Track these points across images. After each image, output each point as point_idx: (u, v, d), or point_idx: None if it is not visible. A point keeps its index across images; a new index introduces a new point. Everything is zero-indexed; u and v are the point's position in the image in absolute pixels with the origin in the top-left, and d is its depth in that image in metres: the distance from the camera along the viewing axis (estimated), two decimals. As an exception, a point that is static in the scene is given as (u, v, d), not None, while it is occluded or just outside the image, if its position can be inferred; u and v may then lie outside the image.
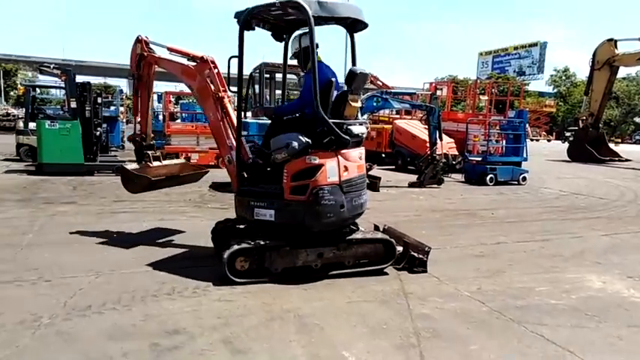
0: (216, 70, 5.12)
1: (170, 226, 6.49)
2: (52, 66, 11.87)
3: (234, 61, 4.81)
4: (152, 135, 6.24)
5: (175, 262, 4.92)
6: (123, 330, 3.35)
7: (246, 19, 4.45)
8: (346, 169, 4.44)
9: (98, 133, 11.97)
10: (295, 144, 4.26)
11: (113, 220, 6.79)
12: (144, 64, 5.73)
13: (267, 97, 14.47)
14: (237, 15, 4.51)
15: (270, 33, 5.11)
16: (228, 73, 5.24)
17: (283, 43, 5.22)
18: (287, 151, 4.28)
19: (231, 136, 4.95)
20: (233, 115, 5.06)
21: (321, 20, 4.51)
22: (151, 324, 3.46)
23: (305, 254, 4.46)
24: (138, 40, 5.65)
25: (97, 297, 3.88)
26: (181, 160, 6.40)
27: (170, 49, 5.51)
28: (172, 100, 23.31)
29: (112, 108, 18.22)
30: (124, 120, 19.60)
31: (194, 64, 5.22)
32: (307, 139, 4.29)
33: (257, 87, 13.78)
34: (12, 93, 52.60)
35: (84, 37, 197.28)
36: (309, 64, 4.47)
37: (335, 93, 4.61)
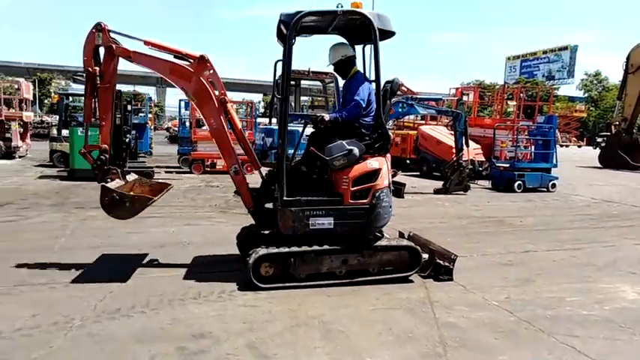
0: (212, 71, 4.69)
1: (196, 231, 6.60)
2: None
3: (280, 65, 4.65)
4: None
5: (201, 267, 4.99)
6: (151, 333, 3.42)
7: (296, 24, 4.27)
8: (388, 172, 4.64)
9: (127, 139, 12.27)
10: (356, 150, 4.39)
11: (141, 224, 6.93)
12: (106, 58, 4.65)
13: (293, 103, 14.59)
14: (286, 18, 4.30)
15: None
16: (275, 77, 5.03)
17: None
18: (348, 157, 4.37)
19: (234, 147, 4.76)
20: (237, 121, 4.97)
21: (381, 34, 4.49)
22: (178, 327, 3.52)
23: (329, 261, 4.46)
24: (98, 29, 4.58)
25: (126, 300, 3.97)
26: (134, 176, 5.32)
27: (149, 44, 4.67)
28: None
29: (141, 115, 18.68)
30: (152, 127, 20.04)
31: (186, 63, 4.66)
32: (363, 145, 4.44)
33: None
34: (46, 101, 54.55)
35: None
36: (350, 73, 4.77)
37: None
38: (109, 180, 4.69)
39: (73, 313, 3.66)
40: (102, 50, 4.67)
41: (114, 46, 4.58)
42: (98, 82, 4.60)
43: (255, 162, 5.14)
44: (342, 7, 4.33)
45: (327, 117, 4.59)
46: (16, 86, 21.27)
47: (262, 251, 4.30)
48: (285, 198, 4.38)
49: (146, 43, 4.65)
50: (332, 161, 4.40)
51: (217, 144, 4.75)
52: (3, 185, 10.07)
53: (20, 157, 16.09)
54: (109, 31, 4.60)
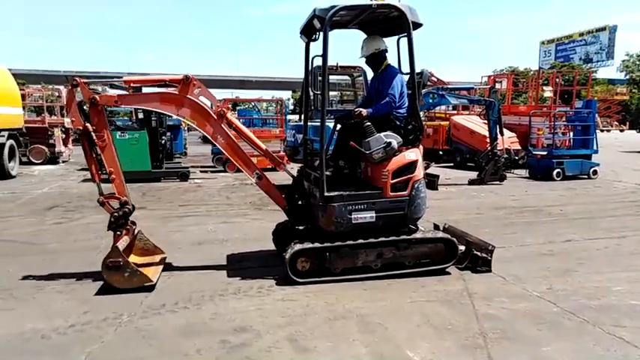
0: (200, 89, 4.55)
1: (233, 229, 6.74)
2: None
3: (317, 60, 4.74)
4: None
5: (240, 263, 5.11)
6: (194, 327, 3.53)
7: (331, 18, 4.25)
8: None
9: (163, 141, 12.61)
10: (394, 143, 4.44)
11: (180, 223, 7.15)
12: (92, 112, 4.40)
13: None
14: (321, 12, 4.27)
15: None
16: (311, 71, 5.02)
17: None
18: (386, 150, 4.42)
19: (248, 155, 4.75)
20: (243, 127, 4.97)
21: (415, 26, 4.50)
22: (220, 322, 3.62)
23: (364, 254, 4.48)
24: (74, 84, 4.38)
25: (170, 296, 4.11)
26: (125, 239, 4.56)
27: (129, 82, 4.60)
28: (230, 106, 24.09)
29: (175, 117, 19.11)
30: (186, 128, 20.48)
31: (172, 89, 4.53)
32: (400, 137, 4.49)
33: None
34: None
35: (146, 51, 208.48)
36: (381, 67, 4.83)
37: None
38: (119, 233, 4.48)
39: (121, 309, 3.82)
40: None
41: (96, 97, 4.40)
42: (95, 139, 4.39)
43: (275, 160, 5.18)
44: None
45: (364, 112, 4.60)
46: (57, 94, 22.20)
47: (298, 246, 4.36)
48: (326, 194, 4.40)
49: (126, 82, 4.59)
50: (371, 154, 4.43)
51: (231, 157, 4.70)
52: (49, 189, 10.56)
53: (63, 161, 16.77)
54: (85, 83, 4.44)
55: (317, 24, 4.37)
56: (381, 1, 4.39)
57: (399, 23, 4.61)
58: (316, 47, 4.97)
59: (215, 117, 4.58)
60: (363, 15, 4.62)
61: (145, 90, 5.03)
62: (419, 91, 4.73)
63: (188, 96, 4.50)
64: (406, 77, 4.77)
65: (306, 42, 5.04)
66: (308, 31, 4.85)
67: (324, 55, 4.34)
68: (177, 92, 4.50)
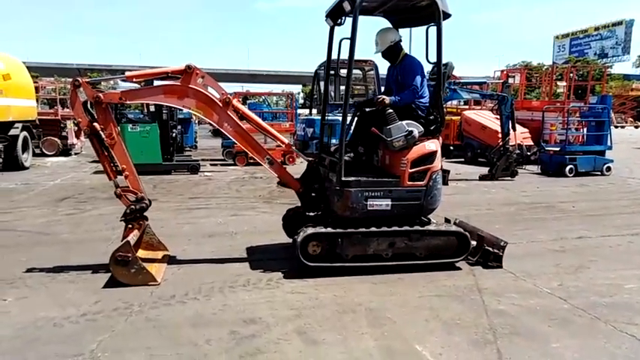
0: (204, 77, 4.50)
1: (242, 221, 6.77)
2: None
3: (345, 44, 4.68)
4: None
5: (249, 256, 5.13)
6: (204, 318, 3.56)
7: (362, 1, 4.22)
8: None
9: (174, 134, 12.67)
10: (416, 132, 4.44)
11: (190, 216, 7.20)
12: (97, 111, 4.38)
13: (332, 93, 14.58)
14: None
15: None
16: (338, 56, 4.99)
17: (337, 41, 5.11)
18: (407, 138, 4.41)
19: (257, 141, 4.76)
20: (250, 112, 4.95)
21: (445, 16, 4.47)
22: (229, 313, 3.64)
23: (376, 242, 4.48)
24: (77, 85, 4.34)
25: (180, 287, 4.14)
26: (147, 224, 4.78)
27: (132, 77, 4.56)
28: (240, 100, 24.12)
29: (186, 110, 19.17)
30: (197, 121, 20.56)
31: (175, 82, 4.49)
32: (421, 127, 4.49)
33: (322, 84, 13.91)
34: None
35: (157, 43, 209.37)
36: (399, 57, 4.83)
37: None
38: (130, 226, 4.50)
39: (132, 299, 3.86)
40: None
41: (100, 95, 4.36)
42: (104, 137, 4.37)
43: (281, 139, 5.19)
44: None
45: (387, 99, 4.59)
46: (69, 87, 22.38)
47: (310, 230, 4.38)
48: (343, 178, 4.40)
49: (129, 77, 4.54)
50: (392, 142, 4.42)
51: (241, 144, 4.70)
52: (62, 181, 10.68)
53: (76, 154, 16.95)
54: (87, 82, 4.40)
55: (347, 6, 4.29)
56: None
57: (427, 13, 4.60)
58: (340, 32, 4.98)
59: (221, 105, 4.55)
60: (392, 1, 4.61)
61: (156, 83, 5.01)
62: (444, 83, 4.71)
63: (191, 86, 4.44)
64: (429, 67, 4.76)
65: (331, 25, 4.96)
66: (335, 15, 4.78)
67: (353, 39, 4.30)
68: (181, 83, 4.45)
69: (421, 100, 4.73)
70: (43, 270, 4.57)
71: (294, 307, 3.75)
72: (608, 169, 12.19)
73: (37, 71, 31.07)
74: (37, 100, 16.27)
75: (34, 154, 14.19)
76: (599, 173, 12.08)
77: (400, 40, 4.88)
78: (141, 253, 4.63)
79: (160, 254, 4.92)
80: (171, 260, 4.87)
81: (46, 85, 20.79)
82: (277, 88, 53.36)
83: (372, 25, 5.14)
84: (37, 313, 3.61)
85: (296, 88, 58.56)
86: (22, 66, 13.45)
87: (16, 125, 12.29)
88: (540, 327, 3.47)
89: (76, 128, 16.93)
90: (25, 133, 12.72)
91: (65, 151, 16.30)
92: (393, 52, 4.86)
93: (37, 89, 15.84)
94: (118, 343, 3.18)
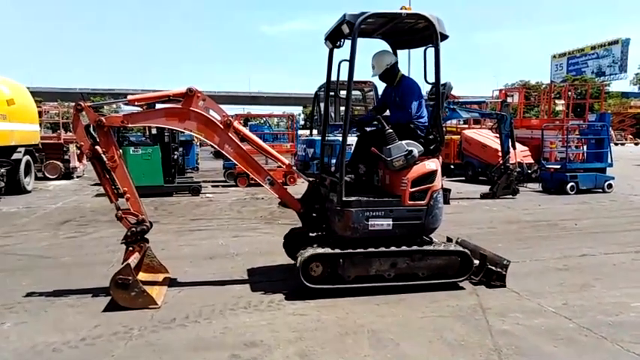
0: (205, 100, 4.54)
1: (244, 243, 6.74)
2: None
3: (344, 65, 4.74)
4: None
5: (250, 277, 5.09)
6: (205, 341, 3.51)
7: (361, 24, 4.29)
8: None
9: (175, 156, 12.73)
10: (416, 152, 4.46)
11: (192, 237, 7.17)
12: (100, 134, 4.42)
13: (332, 114, 14.69)
14: (351, 18, 4.28)
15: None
16: (338, 77, 5.06)
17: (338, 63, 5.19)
18: (407, 158, 4.43)
19: (258, 162, 4.82)
20: (251, 134, 5.00)
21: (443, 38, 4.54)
22: (230, 336, 3.60)
23: (378, 263, 4.45)
24: (79, 109, 4.38)
25: (181, 310, 4.10)
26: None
27: (133, 101, 4.62)
28: (241, 121, 24.28)
29: (187, 132, 19.31)
30: (198, 143, 20.68)
31: (176, 105, 4.52)
32: (421, 146, 4.52)
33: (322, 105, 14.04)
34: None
35: (159, 68, 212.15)
36: (396, 79, 4.91)
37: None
38: (131, 249, 4.50)
39: (132, 323, 3.82)
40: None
41: (103, 119, 4.39)
42: (106, 160, 4.39)
43: (281, 160, 5.18)
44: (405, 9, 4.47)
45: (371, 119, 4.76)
46: (72, 111, 22.61)
47: (311, 251, 4.35)
48: (344, 199, 4.39)
49: (130, 101, 4.59)
50: (392, 162, 4.43)
51: (242, 165, 4.73)
52: (64, 204, 10.69)
53: (78, 177, 17.00)
54: (90, 106, 4.44)
55: (345, 29, 4.37)
56: (410, 11, 4.45)
57: (424, 35, 4.69)
58: (340, 54, 5.04)
59: (222, 127, 4.58)
60: (390, 24, 4.70)
61: (158, 107, 5.06)
62: (442, 102, 4.76)
63: (192, 108, 4.48)
64: (428, 87, 4.85)
65: (330, 48, 5.03)
66: (334, 37, 4.85)
67: (352, 60, 4.37)
68: (182, 106, 4.49)
69: (420, 120, 4.78)
70: (42, 294, 4.54)
71: (296, 330, 3.70)
72: (610, 186, 12.18)
73: (40, 96, 31.48)
74: (41, 125, 16.42)
75: (37, 178, 14.24)
76: (600, 190, 12.07)
77: (396, 63, 4.96)
78: (141, 276, 4.60)
79: (160, 277, 4.88)
80: (172, 282, 4.84)
81: (50, 110, 21.02)
82: (278, 110, 53.81)
83: (370, 47, 5.24)
84: (36, 338, 3.57)
85: (297, 110, 59.02)
86: (25, 91, 13.62)
87: (19, 149, 12.37)
88: (546, 347, 3.41)
89: (79, 152, 17.03)
90: (27, 157, 12.80)
91: (67, 174, 16.36)
92: (389, 74, 4.94)
93: (40, 114, 16.01)
94: (118, 368, 3.13)
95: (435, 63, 4.52)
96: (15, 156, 12.12)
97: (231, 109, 34.42)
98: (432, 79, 4.64)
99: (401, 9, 4.48)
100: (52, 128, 23.84)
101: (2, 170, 11.30)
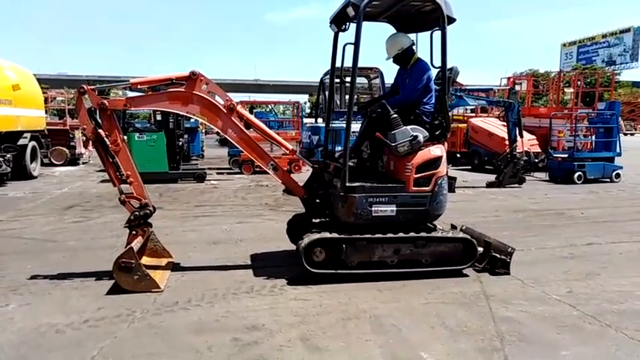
0: (208, 84, 4.50)
1: (248, 229, 6.74)
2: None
3: (349, 49, 4.69)
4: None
5: (253, 263, 5.09)
6: (207, 325, 3.52)
7: (366, 6, 4.22)
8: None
9: (180, 143, 12.74)
10: (421, 137, 4.40)
11: (196, 223, 7.19)
12: (102, 117, 4.41)
13: (338, 101, 14.58)
14: (356, 0, 4.22)
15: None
16: (342, 63, 4.99)
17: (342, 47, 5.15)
18: (412, 143, 4.38)
19: (262, 147, 4.78)
20: (255, 119, 4.95)
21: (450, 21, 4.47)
22: (232, 320, 3.61)
23: (381, 249, 4.43)
24: (82, 92, 4.34)
25: (183, 294, 4.11)
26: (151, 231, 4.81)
27: (136, 84, 4.52)
28: (247, 108, 24.21)
29: (192, 120, 19.31)
30: (203, 130, 20.69)
31: (180, 88, 4.48)
32: (426, 132, 4.45)
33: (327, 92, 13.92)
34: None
35: (166, 55, 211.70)
36: (410, 62, 4.79)
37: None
38: (134, 232, 4.51)
39: (135, 306, 3.84)
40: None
41: (105, 102, 4.38)
42: (109, 143, 4.37)
43: (285, 145, 5.14)
44: None
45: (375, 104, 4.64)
46: (75, 93, 22.60)
47: (315, 236, 4.33)
48: (348, 184, 4.36)
49: (133, 85, 4.53)
50: (397, 147, 4.39)
51: (245, 150, 4.70)
52: (69, 189, 10.74)
53: (83, 163, 17.08)
54: (92, 89, 4.40)
55: (351, 12, 4.31)
56: None
57: (431, 17, 4.60)
58: (344, 37, 4.97)
59: (225, 111, 4.54)
60: (396, 7, 4.61)
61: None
62: (448, 87, 4.68)
63: (195, 92, 4.45)
64: (435, 71, 4.73)
65: (335, 31, 4.97)
66: (339, 21, 4.78)
67: (357, 44, 4.31)
68: (185, 90, 4.46)
69: (426, 105, 4.71)
70: (47, 277, 4.57)
71: (298, 314, 3.70)
72: (618, 175, 12.05)
73: (47, 83, 31.53)
74: (47, 111, 16.45)
75: (43, 164, 14.30)
76: (608, 180, 11.95)
77: (412, 45, 4.85)
78: (145, 260, 4.61)
79: (164, 261, 4.89)
80: (175, 267, 4.85)
81: (56, 96, 21.05)
82: (284, 98, 53.63)
83: (376, 31, 5.15)
84: (40, 319, 3.60)
85: (303, 98, 58.76)
86: (31, 77, 13.63)
87: (25, 135, 12.42)
88: (549, 334, 3.39)
89: (84, 138, 17.09)
90: (33, 142, 12.85)
91: (73, 160, 16.43)
92: (404, 57, 4.84)
93: (46, 100, 16.03)
94: (120, 350, 3.15)
95: (442, 47, 4.44)
96: (21, 141, 12.18)
97: (236, 97, 34.24)
98: (438, 63, 4.57)
99: None
100: (59, 115, 23.89)
101: (8, 155, 11.35)
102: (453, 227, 5.14)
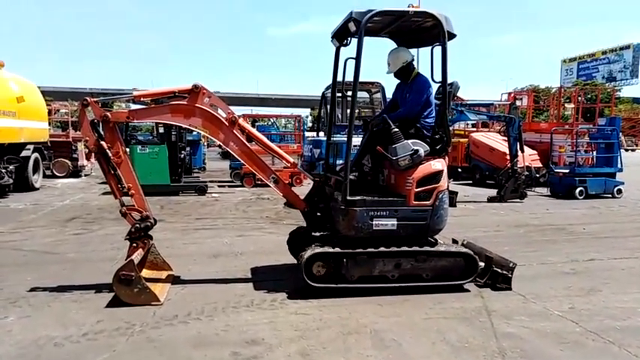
0: (210, 97, 4.55)
1: (248, 242, 6.73)
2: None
3: (350, 64, 4.71)
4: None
5: (254, 276, 5.07)
6: (206, 338, 3.50)
7: (367, 22, 4.26)
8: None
9: (182, 155, 12.77)
10: (422, 151, 4.41)
11: (197, 236, 7.18)
12: (105, 129, 4.43)
13: (339, 115, 14.65)
14: (358, 15, 4.25)
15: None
16: (343, 77, 5.03)
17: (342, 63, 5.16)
18: (413, 158, 4.39)
19: (263, 160, 4.80)
20: (256, 132, 4.96)
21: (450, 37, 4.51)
22: (231, 334, 3.58)
23: (382, 263, 4.41)
24: (85, 104, 4.40)
25: (183, 307, 4.09)
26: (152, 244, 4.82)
27: (139, 97, 4.61)
28: (249, 122, 24.30)
29: (195, 132, 19.39)
30: (205, 143, 20.75)
31: (182, 101, 4.51)
32: (427, 146, 4.47)
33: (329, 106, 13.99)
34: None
35: (168, 69, 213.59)
36: (411, 76, 4.84)
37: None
38: (134, 245, 4.51)
39: (134, 319, 3.81)
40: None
41: (109, 114, 4.43)
42: (111, 155, 4.40)
43: (286, 158, 5.15)
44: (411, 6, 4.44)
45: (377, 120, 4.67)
46: (79, 105, 22.76)
47: (315, 250, 4.32)
48: (349, 197, 4.35)
49: (136, 97, 4.55)
50: (397, 161, 4.40)
51: (246, 163, 4.72)
52: (71, 201, 10.76)
53: (85, 175, 17.12)
54: (96, 101, 4.44)
55: (352, 27, 4.35)
56: (417, 8, 4.43)
57: (432, 33, 4.65)
58: (346, 52, 5.01)
59: (227, 124, 4.58)
60: (397, 22, 4.67)
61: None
62: (449, 102, 4.71)
63: (198, 105, 4.48)
64: (436, 86, 4.78)
65: (337, 46, 5.02)
66: (340, 36, 4.82)
67: (358, 59, 4.34)
68: (187, 103, 4.49)
69: (427, 120, 4.74)
70: (47, 289, 4.55)
71: (298, 328, 3.67)
72: (619, 191, 12.03)
73: (51, 95, 31.69)
74: (50, 123, 16.53)
75: (45, 176, 14.33)
76: (609, 196, 11.93)
77: (412, 60, 4.92)
78: (145, 273, 4.60)
79: (164, 274, 4.88)
80: (175, 280, 4.83)
81: (59, 108, 21.18)
82: (286, 111, 53.94)
83: (377, 46, 5.21)
84: (38, 332, 3.58)
85: (305, 112, 59.08)
86: (35, 89, 13.73)
87: (28, 147, 12.47)
88: (551, 350, 3.36)
89: (87, 150, 17.16)
90: (36, 154, 12.89)
91: (75, 172, 16.48)
92: (405, 72, 4.89)
93: (49, 112, 16.13)
94: (118, 363, 3.12)
95: (443, 62, 4.47)
96: (24, 153, 12.22)
97: (239, 111, 34.36)
98: (439, 78, 4.61)
99: (409, 7, 4.44)
100: (62, 127, 24.02)
101: (11, 167, 11.39)
102: (455, 242, 5.14)
